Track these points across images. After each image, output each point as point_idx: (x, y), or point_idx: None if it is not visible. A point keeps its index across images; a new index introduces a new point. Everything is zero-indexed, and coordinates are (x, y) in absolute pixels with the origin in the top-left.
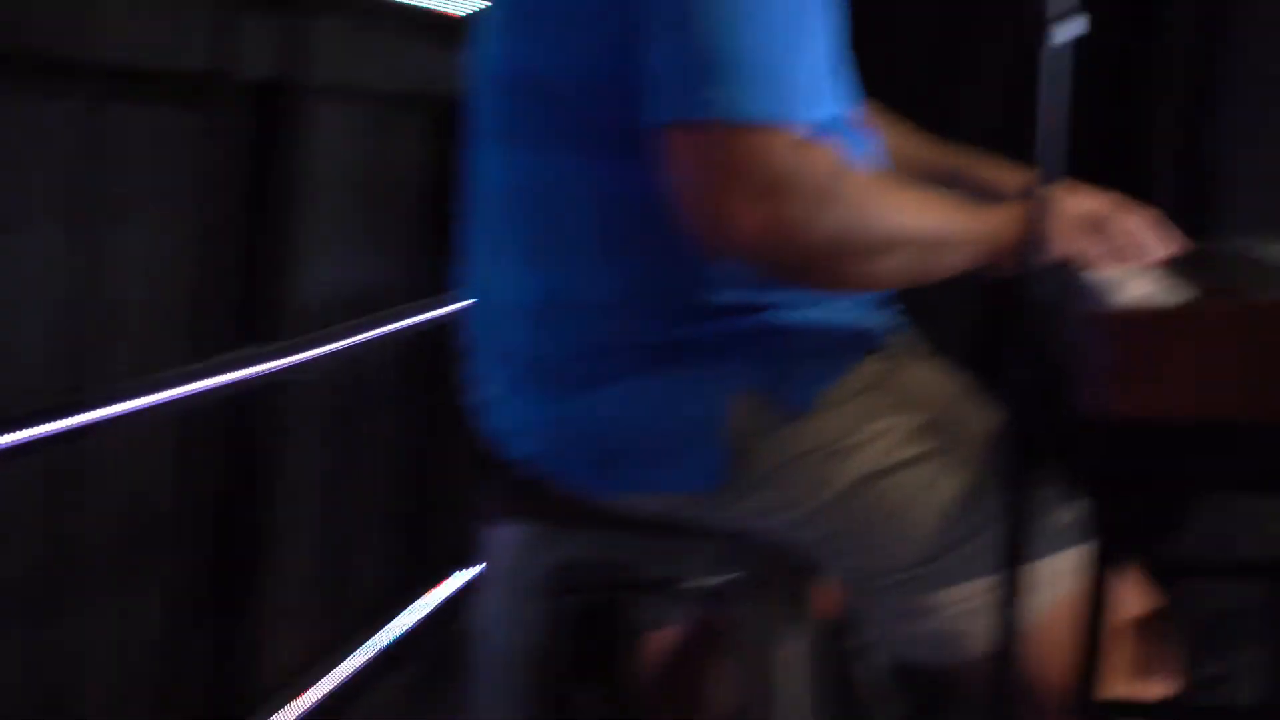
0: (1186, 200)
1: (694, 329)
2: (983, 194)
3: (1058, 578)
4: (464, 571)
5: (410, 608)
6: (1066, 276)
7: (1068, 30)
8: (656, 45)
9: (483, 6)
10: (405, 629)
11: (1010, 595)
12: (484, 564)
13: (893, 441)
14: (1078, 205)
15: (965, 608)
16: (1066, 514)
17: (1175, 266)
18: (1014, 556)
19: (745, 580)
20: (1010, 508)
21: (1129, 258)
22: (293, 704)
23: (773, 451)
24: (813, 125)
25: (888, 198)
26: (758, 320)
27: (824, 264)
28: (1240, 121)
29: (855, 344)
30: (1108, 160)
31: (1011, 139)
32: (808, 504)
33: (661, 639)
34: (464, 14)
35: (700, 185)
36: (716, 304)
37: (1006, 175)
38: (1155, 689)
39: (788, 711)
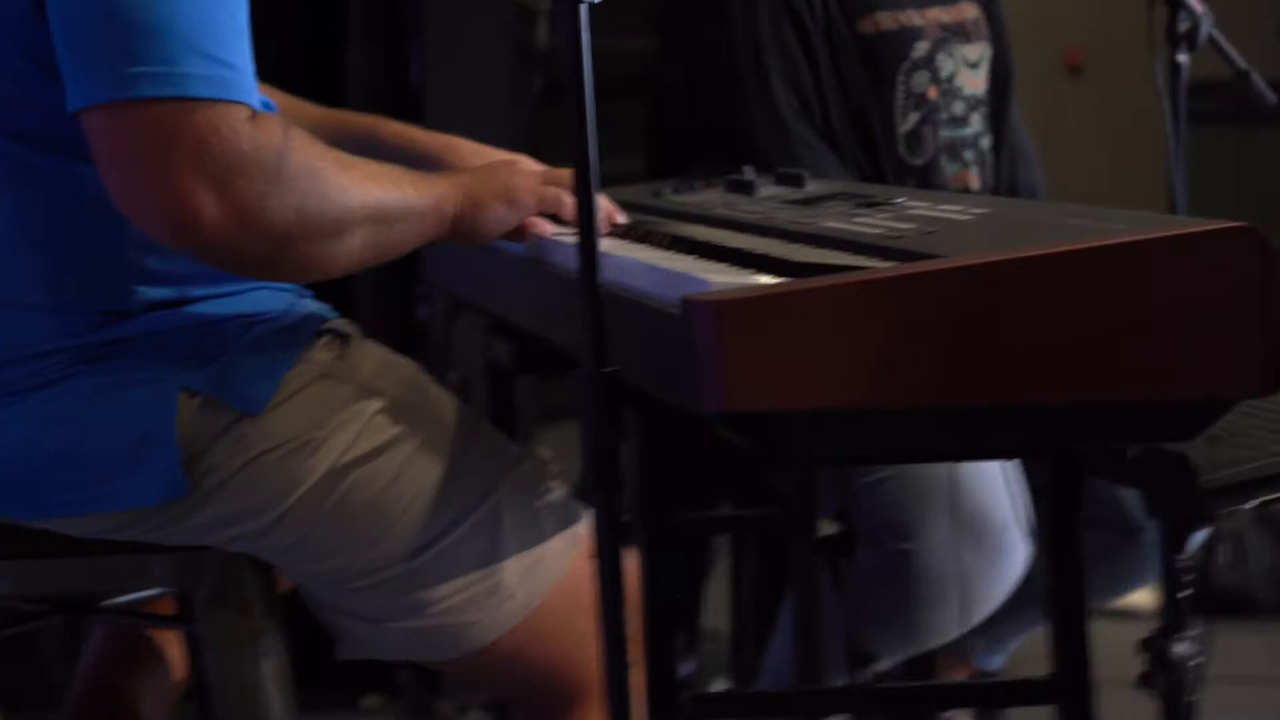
0: None
1: (124, 328)
2: (403, 157)
3: (553, 558)
4: None
5: None
6: (533, 243)
7: None
8: (71, 17)
9: None
10: None
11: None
12: None
13: (356, 430)
14: (529, 169)
15: (459, 600)
16: (557, 491)
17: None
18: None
19: (210, 592)
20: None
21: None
22: None
23: (229, 456)
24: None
25: (345, 173)
26: (189, 316)
27: (289, 248)
28: (433, 58)
29: (295, 333)
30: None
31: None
32: (273, 508)
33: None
34: None
35: (150, 172)
36: (145, 300)
37: (417, 134)
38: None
39: None
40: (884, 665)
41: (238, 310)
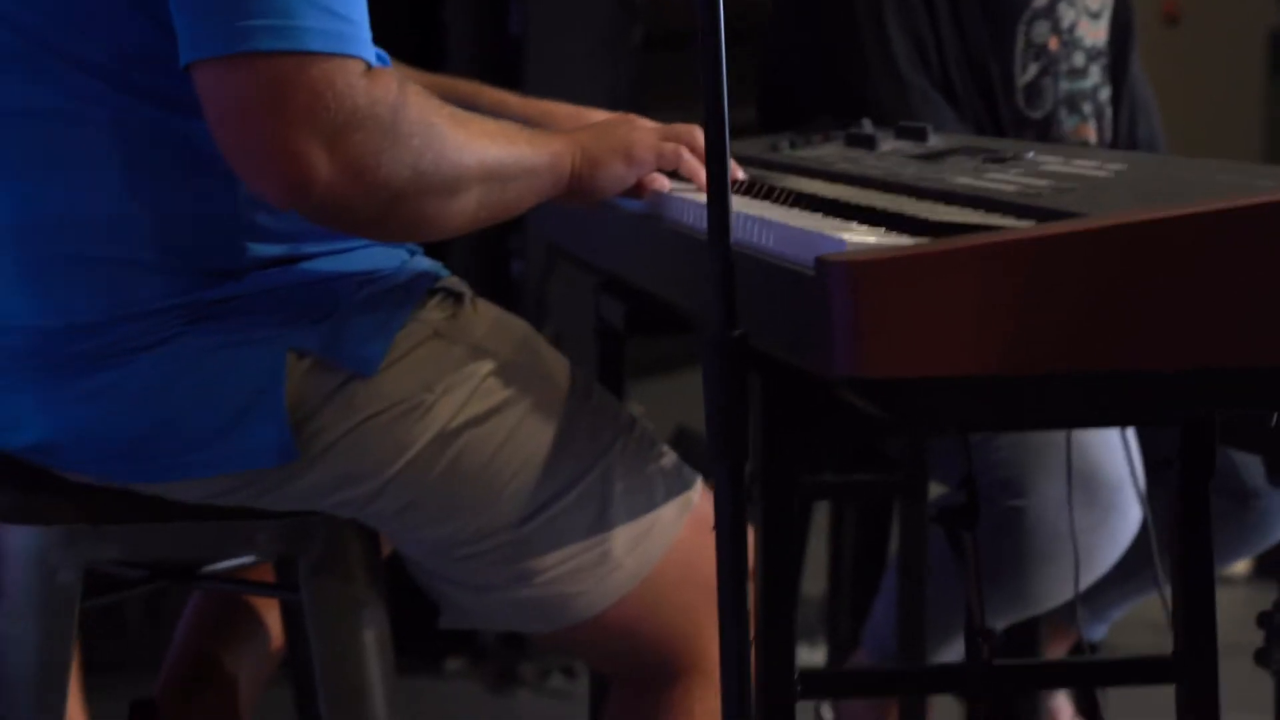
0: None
1: (233, 286)
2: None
3: (664, 527)
4: None
5: None
6: (651, 200)
7: None
8: None
9: None
10: None
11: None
12: None
13: (468, 393)
14: (646, 124)
15: (567, 569)
16: (669, 457)
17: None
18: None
19: (315, 560)
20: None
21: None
22: None
23: (338, 418)
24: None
25: (460, 129)
26: (300, 273)
27: (402, 206)
28: (533, 10)
29: (407, 292)
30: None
31: None
32: (382, 472)
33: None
34: None
35: (262, 128)
36: (253, 257)
37: (513, 100)
38: None
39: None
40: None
41: (349, 268)
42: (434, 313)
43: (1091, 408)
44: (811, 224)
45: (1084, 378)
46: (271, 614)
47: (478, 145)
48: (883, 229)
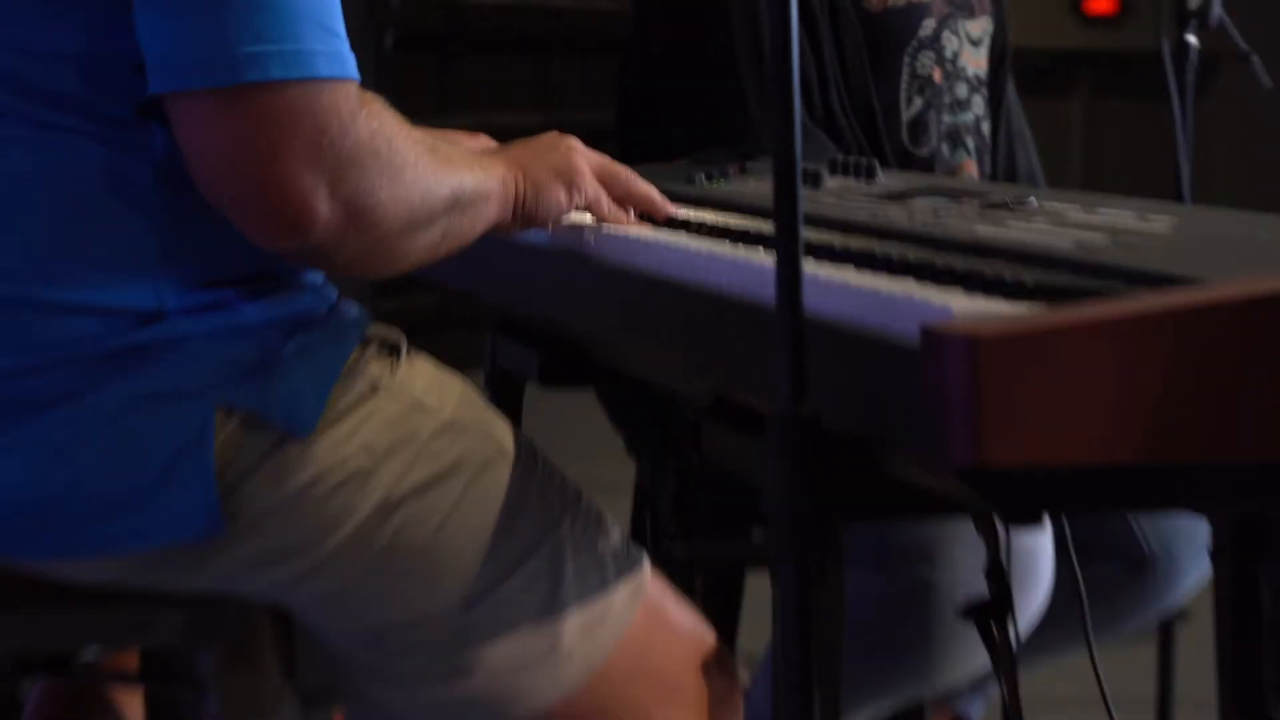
0: None
1: (153, 332)
2: None
3: (617, 614)
4: None
5: None
6: (586, 234)
7: None
8: None
9: None
10: None
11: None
12: None
13: (411, 457)
14: (583, 149)
15: (512, 661)
16: (616, 532)
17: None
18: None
19: (224, 652)
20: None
21: (638, 214)
22: None
23: (270, 485)
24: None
25: (433, 156)
26: (227, 319)
27: (387, 243)
28: None
29: (342, 342)
30: None
31: None
32: (317, 547)
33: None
34: None
35: (264, 163)
36: (177, 300)
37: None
38: None
39: None
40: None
41: (278, 314)
42: (371, 365)
43: (1225, 494)
44: (873, 283)
45: (1225, 466)
46: (132, 708)
47: (447, 173)
48: (962, 290)
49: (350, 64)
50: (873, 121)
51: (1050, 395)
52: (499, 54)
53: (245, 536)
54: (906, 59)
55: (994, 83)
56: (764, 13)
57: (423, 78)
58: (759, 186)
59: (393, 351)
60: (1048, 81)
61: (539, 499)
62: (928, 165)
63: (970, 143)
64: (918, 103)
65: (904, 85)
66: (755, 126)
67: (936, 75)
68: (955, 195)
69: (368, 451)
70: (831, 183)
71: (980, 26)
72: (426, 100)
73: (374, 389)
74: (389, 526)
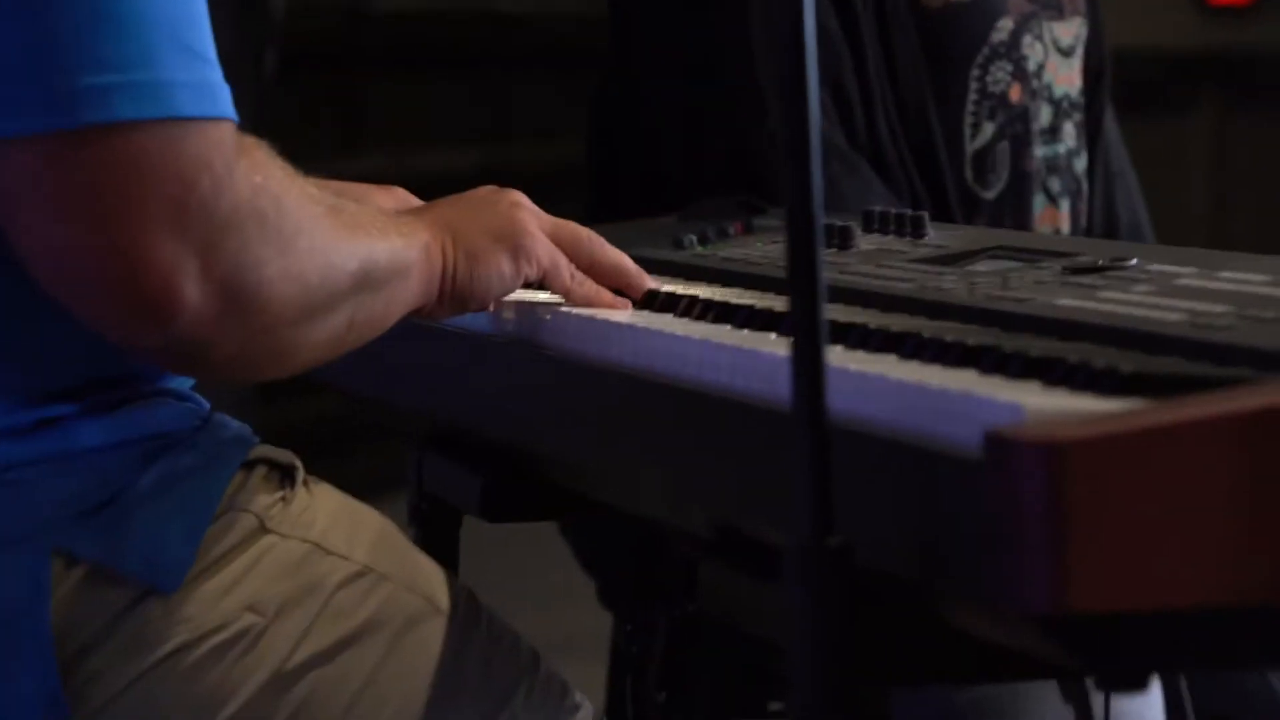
0: None
1: None
2: None
3: None
4: None
5: None
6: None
7: None
8: None
9: None
10: None
11: None
12: None
13: (310, 615)
14: (530, 206)
15: None
16: (586, 709)
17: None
18: None
19: None
20: None
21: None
22: None
23: (125, 655)
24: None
25: (336, 219)
26: (59, 443)
27: (274, 335)
28: None
29: (216, 466)
30: None
31: None
32: None
33: None
34: None
35: (112, 230)
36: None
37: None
38: None
39: None
40: None
41: (132, 433)
42: (257, 496)
43: None
44: (927, 376)
45: None
46: None
47: (354, 241)
48: (1036, 382)
49: (224, 98)
50: (931, 151)
51: (1156, 518)
52: (422, 75)
53: None
54: (975, 71)
55: (1090, 105)
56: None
57: (319, 107)
58: (768, 250)
59: (285, 478)
60: (1158, 93)
61: (482, 666)
62: (996, 211)
63: (1055, 184)
64: (988, 129)
65: (970, 105)
66: (775, 164)
67: (1014, 93)
68: (1030, 256)
69: (254, 609)
70: (866, 242)
71: (1072, 30)
72: (325, 137)
73: (261, 528)
74: (285, 706)
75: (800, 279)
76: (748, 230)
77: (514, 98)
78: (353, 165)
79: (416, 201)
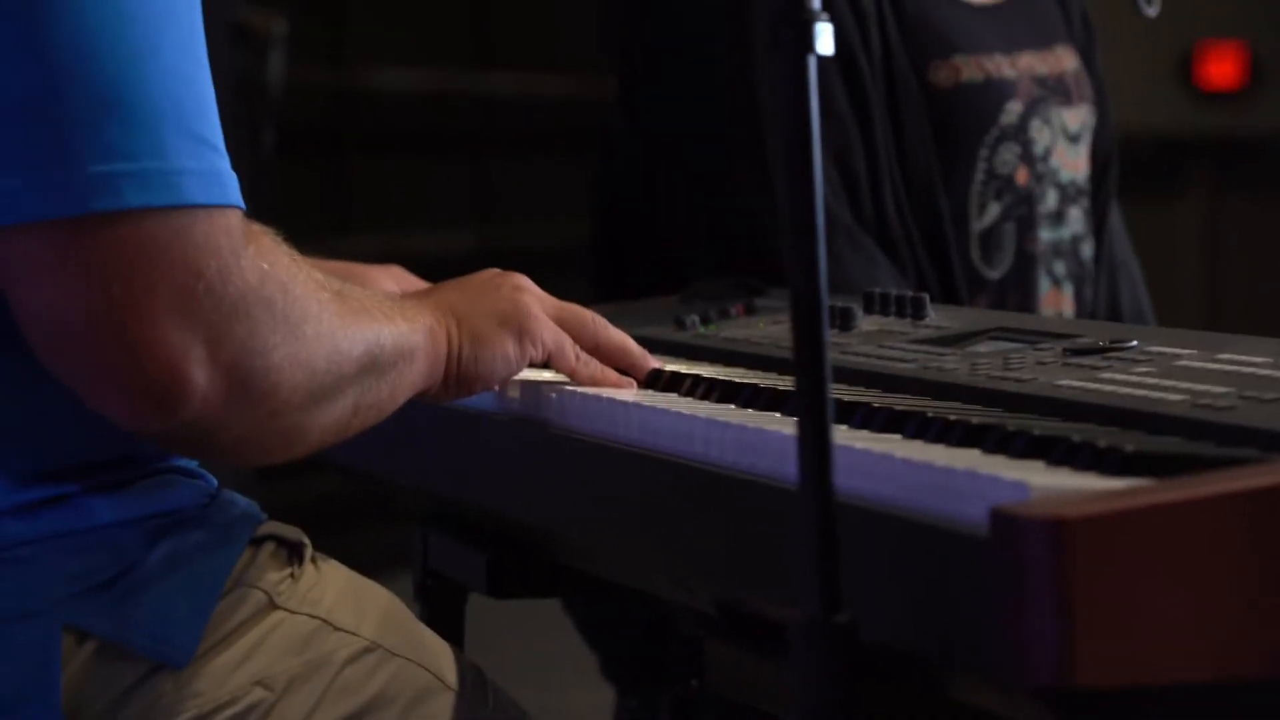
0: None
1: None
2: None
3: None
4: None
5: None
6: (545, 397)
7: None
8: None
9: None
10: None
11: None
12: None
13: (319, 689)
14: (534, 289)
15: None
16: None
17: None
18: None
19: None
20: None
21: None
22: None
23: None
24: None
25: (342, 305)
26: (69, 519)
27: (281, 419)
28: None
29: (224, 542)
30: None
31: None
32: None
33: None
34: None
35: (120, 317)
36: (5, 501)
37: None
38: None
39: None
40: None
41: (141, 510)
42: (265, 573)
43: None
44: (931, 455)
45: None
46: None
47: (360, 326)
48: (1040, 461)
49: (232, 186)
50: (938, 229)
51: (1160, 594)
52: (416, 155)
53: None
54: (983, 151)
55: (1096, 193)
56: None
57: (313, 187)
58: (770, 330)
59: (292, 555)
60: (1151, 176)
61: None
62: (1001, 291)
63: (1060, 268)
64: (993, 210)
65: (977, 185)
66: (776, 239)
67: (1020, 176)
68: (1031, 338)
69: (263, 684)
70: (867, 323)
71: (1079, 118)
72: (318, 217)
73: (270, 604)
74: None
75: (806, 356)
76: (749, 311)
77: (505, 179)
78: (344, 245)
79: (415, 279)
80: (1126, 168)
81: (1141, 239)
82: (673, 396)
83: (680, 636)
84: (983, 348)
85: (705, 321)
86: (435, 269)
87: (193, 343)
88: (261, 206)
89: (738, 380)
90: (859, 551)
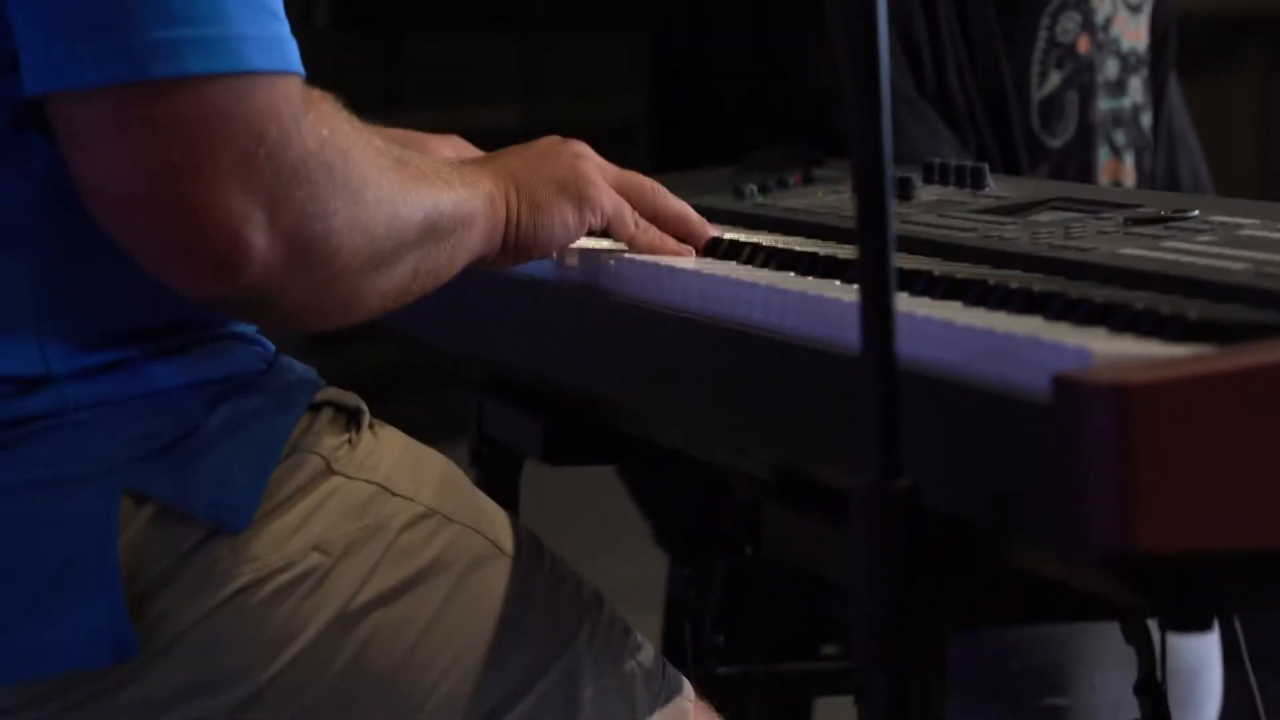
0: None
1: (41, 400)
2: None
3: None
4: None
5: None
6: (603, 264)
7: None
8: None
9: None
10: None
11: None
12: None
13: (376, 555)
14: (594, 156)
15: None
16: (647, 650)
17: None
18: None
19: None
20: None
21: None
22: None
23: (194, 594)
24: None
25: (403, 171)
26: (130, 383)
27: (339, 285)
28: None
29: (285, 406)
30: None
31: None
32: (257, 673)
33: None
34: None
35: (183, 183)
36: (69, 361)
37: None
38: None
39: None
40: None
41: (198, 375)
42: (323, 438)
43: None
44: (993, 322)
45: None
46: None
47: (420, 192)
48: (1103, 328)
49: (292, 53)
50: (1001, 99)
51: (1222, 460)
52: (468, 32)
53: (164, 660)
54: (1045, 20)
55: (1156, 63)
56: None
57: (366, 65)
58: (829, 200)
59: (351, 421)
60: (1209, 52)
61: (546, 607)
62: (1061, 160)
63: (1120, 138)
64: (1054, 78)
65: (1038, 53)
66: (839, 111)
67: (1082, 44)
68: (1092, 208)
69: (320, 549)
70: (927, 193)
71: None
72: (372, 94)
73: (328, 469)
74: (349, 644)
75: (871, 222)
76: (807, 181)
77: (553, 55)
78: (399, 123)
79: (474, 150)
80: (1183, 44)
81: (1198, 116)
82: (731, 264)
83: (736, 503)
84: (1043, 217)
85: (764, 191)
86: (485, 143)
87: (253, 207)
88: (316, 80)
89: (797, 249)
90: (919, 418)
